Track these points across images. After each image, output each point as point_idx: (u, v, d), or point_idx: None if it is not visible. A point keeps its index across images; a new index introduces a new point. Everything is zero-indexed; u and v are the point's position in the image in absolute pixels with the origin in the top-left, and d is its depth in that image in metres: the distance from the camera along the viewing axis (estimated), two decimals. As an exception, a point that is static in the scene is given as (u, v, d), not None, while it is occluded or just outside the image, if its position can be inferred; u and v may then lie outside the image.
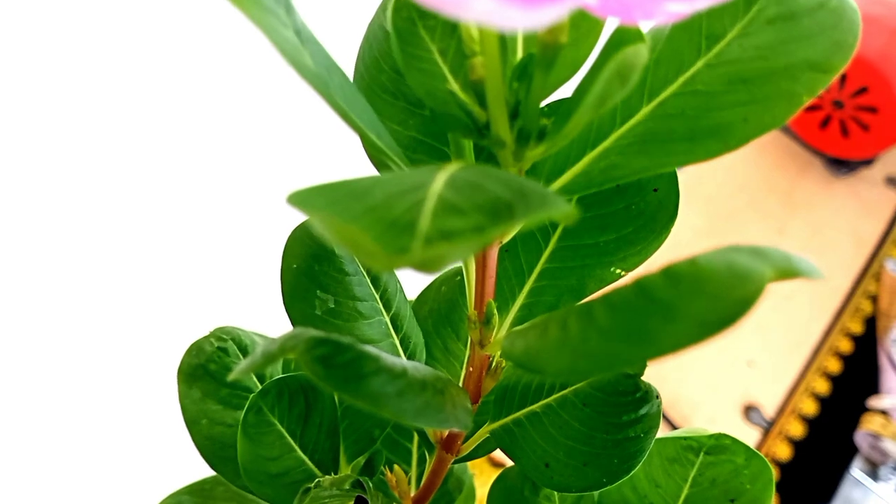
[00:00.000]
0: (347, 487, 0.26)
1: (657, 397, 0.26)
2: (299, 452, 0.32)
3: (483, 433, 0.30)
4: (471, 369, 0.27)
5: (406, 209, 0.16)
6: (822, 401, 1.14)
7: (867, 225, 1.31)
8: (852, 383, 1.15)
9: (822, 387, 1.14)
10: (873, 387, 1.14)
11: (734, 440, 0.32)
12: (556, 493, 0.32)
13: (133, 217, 0.72)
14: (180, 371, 0.35)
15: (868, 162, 1.35)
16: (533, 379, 0.29)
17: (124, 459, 0.68)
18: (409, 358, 0.31)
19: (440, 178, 0.16)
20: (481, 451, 0.32)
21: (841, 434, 1.11)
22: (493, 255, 0.24)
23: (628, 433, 0.25)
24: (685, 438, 0.33)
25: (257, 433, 0.31)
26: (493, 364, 0.28)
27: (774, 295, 1.21)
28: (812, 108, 1.26)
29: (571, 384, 0.27)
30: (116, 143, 0.72)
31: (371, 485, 0.27)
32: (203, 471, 0.36)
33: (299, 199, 0.16)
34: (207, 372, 0.35)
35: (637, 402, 0.25)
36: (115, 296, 0.70)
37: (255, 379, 0.35)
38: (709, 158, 0.20)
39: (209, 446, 0.34)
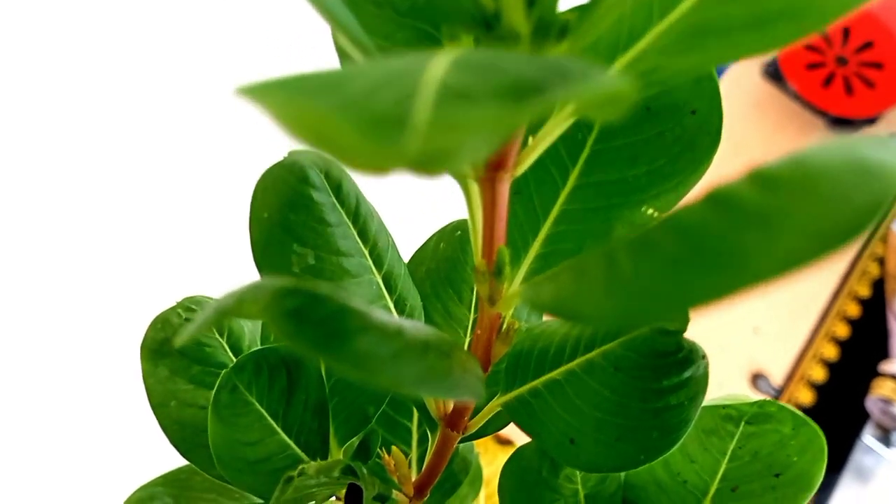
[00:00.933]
0: (337, 475, 0.22)
1: (703, 357, 0.21)
2: (282, 435, 0.28)
3: (494, 406, 0.26)
4: (478, 332, 0.23)
5: (400, 97, 0.11)
6: (831, 367, 1.11)
7: (872, 186, 1.27)
8: (861, 348, 1.12)
9: (831, 352, 1.11)
10: (883, 351, 1.11)
11: (780, 407, 0.28)
12: (577, 473, 0.28)
13: (87, 173, 0.67)
14: (144, 347, 0.30)
15: (872, 121, 1.31)
16: (551, 342, 0.24)
17: (86, 448, 0.63)
18: (405, 323, 0.27)
19: (441, 61, 0.12)
20: (491, 427, 0.28)
21: (851, 400, 1.08)
22: (504, 190, 0.20)
23: (669, 401, 0.21)
24: (724, 407, 0.29)
25: (232, 415, 0.27)
26: (505, 326, 0.24)
27: (780, 260, 1.17)
28: (814, 66, 1.21)
29: (598, 346, 0.23)
30: (77, 111, 0.67)
31: (364, 470, 0.23)
32: (177, 459, 0.32)
33: (253, 91, 0.11)
34: (176, 348, 0.30)
35: (679, 363, 0.21)
36: (67, 262, 0.64)
37: (230, 353, 0.31)
38: (775, 48, 0.16)
39: (179, 431, 0.29)
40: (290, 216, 0.23)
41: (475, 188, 0.21)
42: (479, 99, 0.11)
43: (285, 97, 0.11)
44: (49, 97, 0.67)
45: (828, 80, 1.22)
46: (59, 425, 0.62)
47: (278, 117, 0.11)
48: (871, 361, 1.11)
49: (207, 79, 0.71)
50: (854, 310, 1.15)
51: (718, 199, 0.12)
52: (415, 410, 0.32)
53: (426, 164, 0.10)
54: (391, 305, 0.27)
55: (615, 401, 0.22)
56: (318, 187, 0.23)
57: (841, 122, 1.30)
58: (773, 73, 1.29)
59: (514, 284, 0.22)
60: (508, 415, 0.25)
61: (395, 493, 0.28)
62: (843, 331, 1.13)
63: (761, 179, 0.12)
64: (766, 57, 1.24)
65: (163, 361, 0.30)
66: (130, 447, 0.58)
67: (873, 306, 1.16)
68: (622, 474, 0.30)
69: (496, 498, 0.52)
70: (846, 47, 1.15)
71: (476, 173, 0.20)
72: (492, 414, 0.26)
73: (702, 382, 0.21)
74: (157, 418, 0.29)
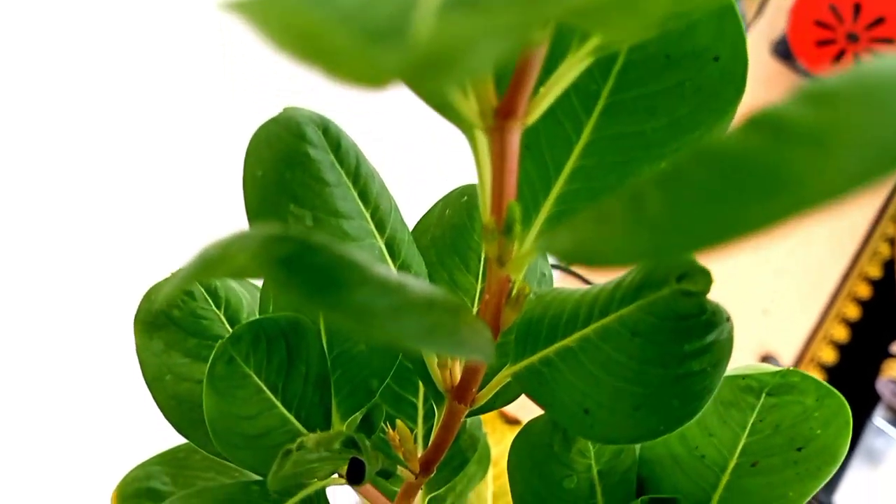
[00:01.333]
0: (338, 447, 0.21)
1: (727, 320, 0.20)
2: (282, 409, 0.27)
3: (503, 377, 0.25)
4: (487, 298, 0.22)
5: (401, 5, 0.10)
6: (841, 348, 1.09)
7: (883, 165, 1.26)
8: (872, 330, 1.10)
9: (841, 334, 1.09)
10: (894, 332, 1.10)
11: (804, 376, 0.27)
12: (591, 447, 0.27)
13: (80, 141, 0.65)
14: (137, 320, 0.29)
15: (882, 99, 1.28)
16: (563, 309, 0.23)
17: (80, 427, 0.62)
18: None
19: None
20: (500, 399, 0.26)
21: (862, 382, 1.06)
22: (514, 141, 0.18)
23: (691, 367, 0.20)
24: (744, 377, 0.27)
25: (229, 387, 0.25)
26: (514, 292, 0.23)
27: (790, 239, 1.16)
28: (825, 43, 1.19)
29: (614, 310, 0.21)
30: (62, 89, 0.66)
31: (367, 443, 0.21)
32: (175, 437, 0.31)
33: (242, 6, 0.10)
34: (170, 319, 0.29)
35: (703, 326, 0.20)
36: (58, 232, 0.63)
37: (227, 325, 0.30)
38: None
39: (175, 407, 0.28)
40: (285, 174, 0.21)
41: (483, 139, 0.19)
42: (489, 7, 0.09)
43: (276, 10, 0.10)
44: (29, 75, 0.65)
45: (838, 57, 1.19)
46: (53, 404, 0.61)
47: (268, 31, 0.10)
48: (882, 343, 1.09)
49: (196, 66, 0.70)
50: (865, 291, 1.13)
51: (761, 122, 0.11)
52: (420, 385, 0.31)
53: (428, 72, 0.09)
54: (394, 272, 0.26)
55: (633, 368, 0.21)
56: (316, 144, 0.22)
57: (851, 101, 1.28)
58: (783, 51, 1.26)
59: (526, 243, 0.20)
60: (519, 386, 0.24)
61: (400, 470, 0.27)
62: (853, 312, 1.11)
63: (812, 96, 0.10)
64: (775, 35, 1.22)
65: (157, 334, 0.29)
66: (126, 425, 0.57)
67: (884, 287, 1.14)
68: (637, 449, 0.29)
69: (504, 478, 0.51)
70: (857, 23, 1.13)
71: (484, 122, 0.18)
72: (501, 385, 0.25)
73: (726, 347, 0.20)
74: (152, 393, 0.28)
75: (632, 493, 0.29)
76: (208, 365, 0.25)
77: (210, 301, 0.30)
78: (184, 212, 0.68)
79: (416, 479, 0.28)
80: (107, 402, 0.60)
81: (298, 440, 0.21)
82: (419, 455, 0.28)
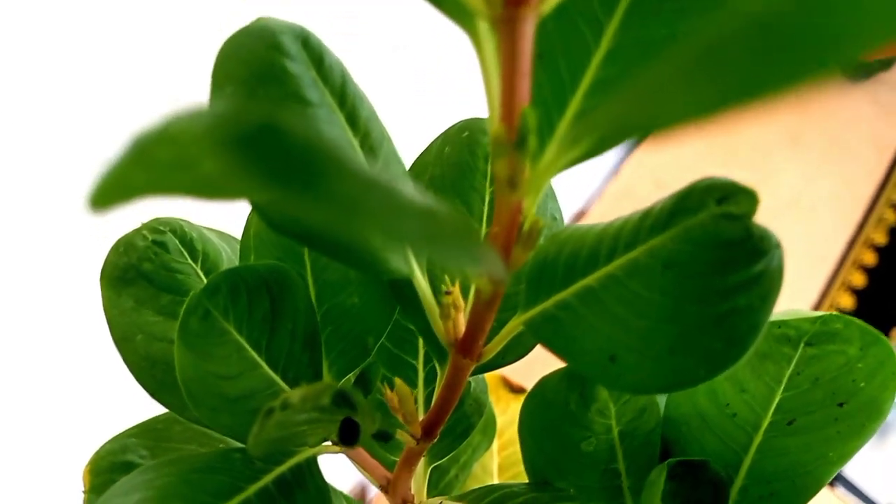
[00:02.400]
0: (328, 403, 0.18)
1: (777, 246, 0.17)
2: (266, 369, 0.24)
3: (514, 327, 0.22)
4: (495, 231, 0.19)
5: None
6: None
7: (888, 131, 1.23)
8: (878, 296, 1.08)
9: (847, 301, 1.07)
10: (901, 300, 1.07)
11: (847, 322, 0.24)
12: (611, 405, 0.24)
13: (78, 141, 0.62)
14: (104, 274, 0.26)
15: (887, 64, 1.26)
16: (582, 245, 0.20)
17: (48, 394, 0.57)
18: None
19: None
20: (511, 353, 0.24)
21: (869, 351, 1.04)
22: (527, 35, 0.16)
23: (736, 302, 0.17)
24: (779, 325, 0.24)
25: (205, 345, 0.23)
26: (527, 225, 0.20)
27: (795, 207, 1.13)
28: None
29: (641, 242, 0.19)
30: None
31: (363, 399, 0.18)
32: (154, 407, 0.28)
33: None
34: (141, 274, 0.26)
35: (748, 254, 0.17)
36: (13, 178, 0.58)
37: (204, 280, 0.27)
38: None
39: (147, 369, 0.25)
40: (258, 91, 0.18)
41: (489, 35, 0.16)
42: None
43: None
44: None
45: None
46: (20, 372, 0.57)
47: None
48: (889, 310, 1.07)
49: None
50: (870, 258, 1.11)
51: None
52: (420, 346, 0.28)
53: None
54: None
55: (666, 306, 0.18)
56: (294, 57, 0.19)
57: (855, 67, 1.25)
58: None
59: (540, 164, 0.18)
60: (532, 334, 0.21)
61: (399, 434, 0.24)
62: (859, 280, 1.09)
63: None
64: None
65: (126, 290, 0.26)
66: (100, 394, 0.54)
67: (890, 255, 1.11)
68: (661, 407, 0.26)
69: (511, 448, 0.49)
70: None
71: (491, 11, 0.15)
72: (511, 337, 0.22)
73: (776, 278, 0.17)
74: (122, 354, 0.25)
75: (655, 456, 0.26)
76: (180, 319, 0.22)
77: (185, 253, 0.27)
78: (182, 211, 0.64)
79: (418, 444, 0.25)
80: (78, 368, 0.57)
81: (282, 396, 0.18)
82: (420, 419, 0.25)
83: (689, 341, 0.18)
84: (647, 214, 0.19)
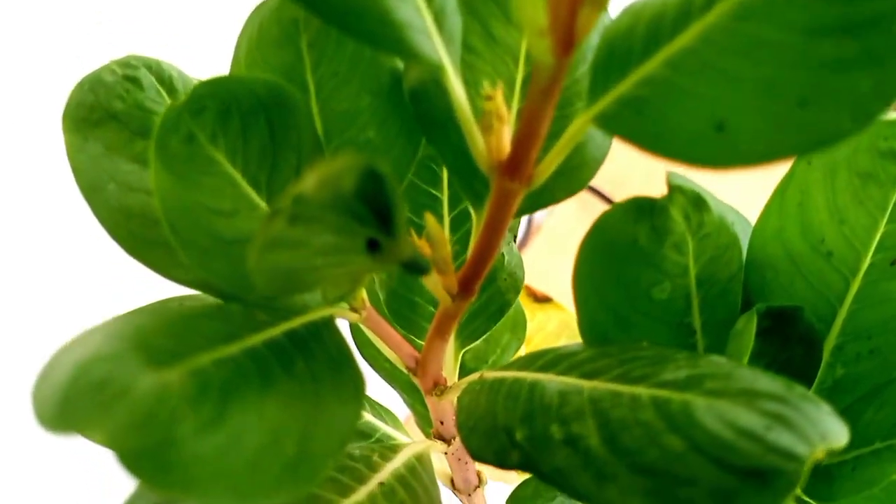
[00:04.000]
0: (350, 192, 0.13)
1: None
2: (266, 207, 0.20)
3: (578, 128, 0.17)
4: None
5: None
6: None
7: None
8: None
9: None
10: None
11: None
12: (689, 238, 0.20)
13: None
14: (67, 115, 0.22)
15: None
16: (664, 8, 0.16)
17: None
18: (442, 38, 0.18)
19: None
20: (575, 176, 0.19)
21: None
22: None
23: (891, 27, 0.13)
24: (886, 136, 0.20)
25: (190, 171, 0.18)
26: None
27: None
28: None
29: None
30: None
31: (393, 183, 0.14)
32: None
33: None
34: (111, 115, 0.22)
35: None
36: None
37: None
38: None
39: (122, 223, 0.21)
40: None
41: None
42: None
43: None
44: None
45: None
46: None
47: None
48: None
49: None
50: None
51: None
52: (445, 185, 0.24)
53: None
54: (427, 18, 0.18)
55: (794, 44, 0.14)
56: None
57: None
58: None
59: None
60: (606, 128, 0.17)
61: (432, 284, 0.20)
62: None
63: None
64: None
65: (94, 134, 0.22)
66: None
67: None
68: (744, 248, 0.22)
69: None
70: None
71: None
72: (573, 144, 0.18)
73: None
74: (91, 206, 0.21)
75: (736, 308, 0.22)
76: (155, 135, 0.18)
77: (163, 93, 0.22)
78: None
79: (454, 302, 0.21)
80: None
81: (293, 193, 0.14)
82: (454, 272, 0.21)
83: (825, 86, 0.13)
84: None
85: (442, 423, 0.26)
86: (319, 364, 0.17)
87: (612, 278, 0.21)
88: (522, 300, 0.48)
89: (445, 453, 0.27)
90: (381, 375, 0.34)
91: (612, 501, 0.16)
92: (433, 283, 0.20)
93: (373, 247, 0.16)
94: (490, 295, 0.27)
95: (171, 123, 0.18)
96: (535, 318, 0.44)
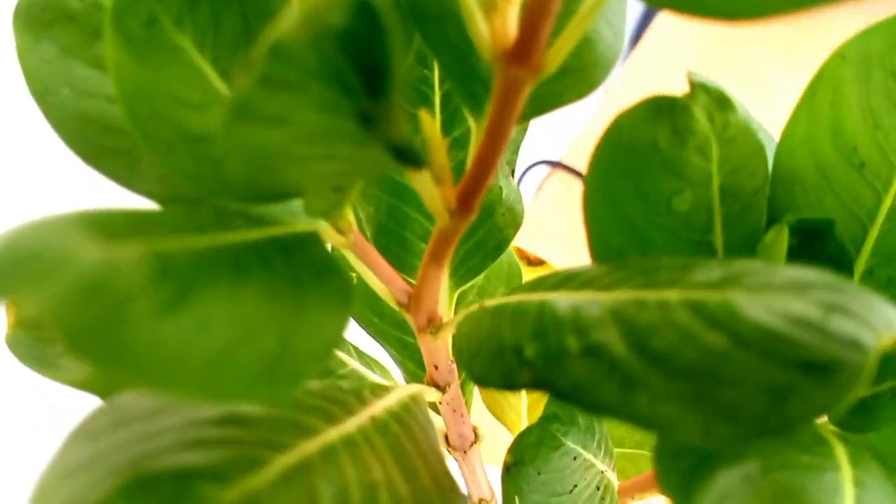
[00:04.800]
0: (338, 27, 0.11)
1: None
2: (242, 104, 0.17)
3: (594, 2, 0.15)
4: None
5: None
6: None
7: (882, 42, 1.18)
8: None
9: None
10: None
11: None
12: (713, 141, 0.18)
13: None
14: (18, 14, 0.19)
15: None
16: None
17: None
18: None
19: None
20: (586, 54, 0.17)
21: None
22: None
23: None
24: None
25: (151, 55, 0.16)
26: None
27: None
28: None
29: None
30: None
31: (390, 49, 0.12)
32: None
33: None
34: (66, 14, 0.20)
35: None
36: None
37: None
38: None
39: (78, 130, 0.19)
40: None
41: None
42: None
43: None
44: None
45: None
46: None
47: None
48: None
49: None
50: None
51: None
52: (436, 82, 0.22)
53: None
54: None
55: None
56: None
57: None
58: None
59: None
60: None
61: (428, 195, 0.18)
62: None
63: None
64: None
65: (47, 34, 0.19)
66: None
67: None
68: (769, 163, 0.20)
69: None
70: None
71: None
72: (593, 15, 0.16)
73: None
74: (43, 111, 0.19)
75: (760, 227, 0.20)
76: (109, 12, 0.15)
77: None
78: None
79: (452, 219, 0.19)
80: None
81: (271, 41, 0.12)
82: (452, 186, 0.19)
83: None
84: None
85: (436, 367, 0.24)
86: (303, 269, 0.15)
87: (628, 187, 0.19)
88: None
89: (439, 403, 0.25)
90: (368, 332, 0.31)
91: (640, 411, 0.14)
92: (429, 193, 0.18)
93: (364, 121, 0.14)
94: (488, 230, 0.24)
95: (126, 4, 0.16)
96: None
